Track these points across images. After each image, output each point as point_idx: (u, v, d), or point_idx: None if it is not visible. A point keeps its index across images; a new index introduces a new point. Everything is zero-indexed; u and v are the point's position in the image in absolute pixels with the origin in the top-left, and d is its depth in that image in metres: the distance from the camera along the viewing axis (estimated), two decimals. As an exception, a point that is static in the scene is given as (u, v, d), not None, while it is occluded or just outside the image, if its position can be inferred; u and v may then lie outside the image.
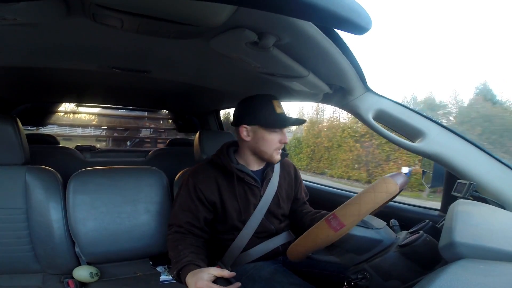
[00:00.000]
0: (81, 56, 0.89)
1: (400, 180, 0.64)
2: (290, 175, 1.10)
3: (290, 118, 0.96)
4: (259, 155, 0.98)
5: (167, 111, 2.84)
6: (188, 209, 0.96)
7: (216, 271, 0.78)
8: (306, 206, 1.14)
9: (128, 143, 5.48)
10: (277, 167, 1.06)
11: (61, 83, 1.37)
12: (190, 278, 0.78)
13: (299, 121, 1.02)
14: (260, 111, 0.93)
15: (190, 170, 1.05)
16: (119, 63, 0.97)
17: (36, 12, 0.53)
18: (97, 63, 0.98)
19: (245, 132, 0.95)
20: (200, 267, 0.81)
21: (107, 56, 0.90)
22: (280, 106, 0.96)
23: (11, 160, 1.08)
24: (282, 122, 0.94)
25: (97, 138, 5.58)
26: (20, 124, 1.09)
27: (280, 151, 0.98)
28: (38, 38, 0.72)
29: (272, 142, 0.94)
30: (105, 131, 5.79)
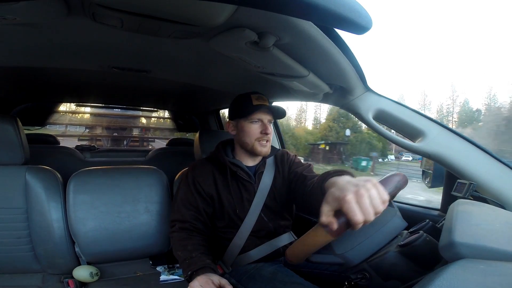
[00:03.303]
0: (81, 56, 0.89)
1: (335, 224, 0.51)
2: (284, 166, 1.07)
3: (267, 105, 0.97)
4: (244, 148, 1.01)
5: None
6: (189, 203, 0.99)
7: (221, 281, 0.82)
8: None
9: (125, 142, 5.50)
10: (269, 161, 1.06)
11: (61, 83, 1.37)
12: (201, 280, 0.81)
13: (278, 111, 0.98)
14: (239, 104, 0.99)
15: (189, 166, 1.08)
16: (119, 63, 0.97)
17: (36, 12, 0.53)
18: (97, 63, 0.98)
19: (231, 127, 1.02)
20: (214, 271, 0.85)
21: (107, 56, 0.90)
22: (260, 99, 0.97)
23: (11, 160, 1.08)
24: (253, 109, 0.95)
25: (80, 138, 5.55)
26: (20, 124, 1.09)
27: (266, 143, 0.98)
28: (38, 38, 0.72)
29: (253, 133, 0.97)
30: (87, 129, 5.79)
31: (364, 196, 0.48)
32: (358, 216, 0.47)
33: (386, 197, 0.50)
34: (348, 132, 21.36)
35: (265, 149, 0.99)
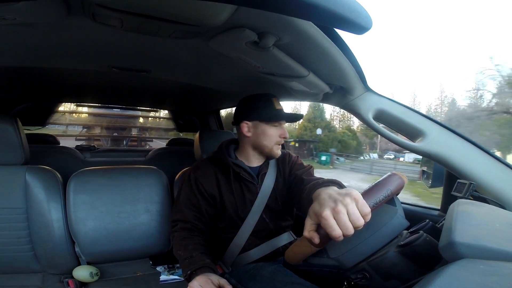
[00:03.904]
0: (81, 56, 0.89)
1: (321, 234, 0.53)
2: (285, 167, 1.07)
3: (289, 113, 1.00)
4: (260, 150, 1.00)
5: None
6: (191, 203, 0.99)
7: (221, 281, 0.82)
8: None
9: (124, 142, 5.52)
10: (272, 163, 1.05)
11: (61, 83, 1.37)
12: (200, 279, 0.81)
13: (298, 117, 1.04)
14: (260, 107, 0.97)
15: (191, 166, 1.08)
16: (119, 63, 0.97)
17: (36, 12, 0.53)
18: (97, 63, 0.98)
19: (246, 128, 0.99)
20: (214, 271, 0.85)
21: (107, 56, 0.90)
22: (279, 104, 1.00)
23: (11, 160, 1.08)
24: (281, 115, 0.98)
25: (77, 137, 5.54)
26: (20, 124, 1.09)
27: (280, 146, 1.01)
28: (38, 38, 0.72)
29: (273, 136, 0.98)
30: (85, 129, 5.81)
31: (341, 212, 0.49)
32: (336, 232, 0.48)
33: (368, 210, 0.51)
34: (319, 131, 23.92)
35: (279, 152, 1.01)
